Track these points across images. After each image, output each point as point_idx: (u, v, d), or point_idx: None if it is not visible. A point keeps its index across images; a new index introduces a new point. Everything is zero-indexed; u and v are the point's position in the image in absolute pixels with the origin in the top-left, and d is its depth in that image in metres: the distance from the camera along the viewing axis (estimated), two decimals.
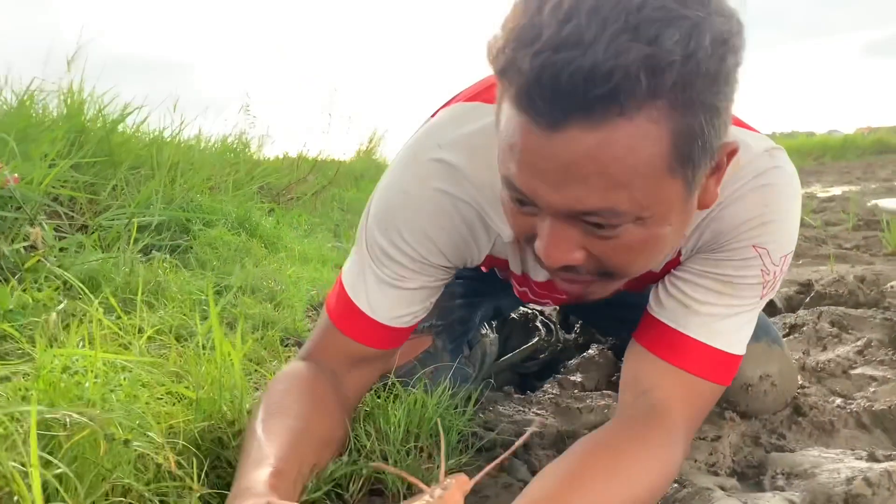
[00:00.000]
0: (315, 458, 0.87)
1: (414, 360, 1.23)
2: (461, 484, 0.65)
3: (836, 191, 6.78)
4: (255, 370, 1.48)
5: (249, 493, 0.71)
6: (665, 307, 0.96)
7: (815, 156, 13.92)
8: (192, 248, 2.44)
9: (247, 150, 4.92)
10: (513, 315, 1.76)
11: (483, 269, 1.18)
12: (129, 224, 2.18)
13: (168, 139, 3.35)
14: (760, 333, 1.28)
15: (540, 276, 1.07)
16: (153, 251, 2.20)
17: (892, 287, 2.32)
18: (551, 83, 0.63)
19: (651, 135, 0.65)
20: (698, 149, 0.69)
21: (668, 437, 0.90)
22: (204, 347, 1.11)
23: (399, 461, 0.95)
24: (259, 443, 0.82)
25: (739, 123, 0.93)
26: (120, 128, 2.97)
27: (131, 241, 2.02)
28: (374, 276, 0.99)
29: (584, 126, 0.64)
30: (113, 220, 2.25)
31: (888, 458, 1.07)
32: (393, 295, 1.00)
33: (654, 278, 1.01)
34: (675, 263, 0.99)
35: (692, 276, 0.95)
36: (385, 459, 0.96)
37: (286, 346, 1.73)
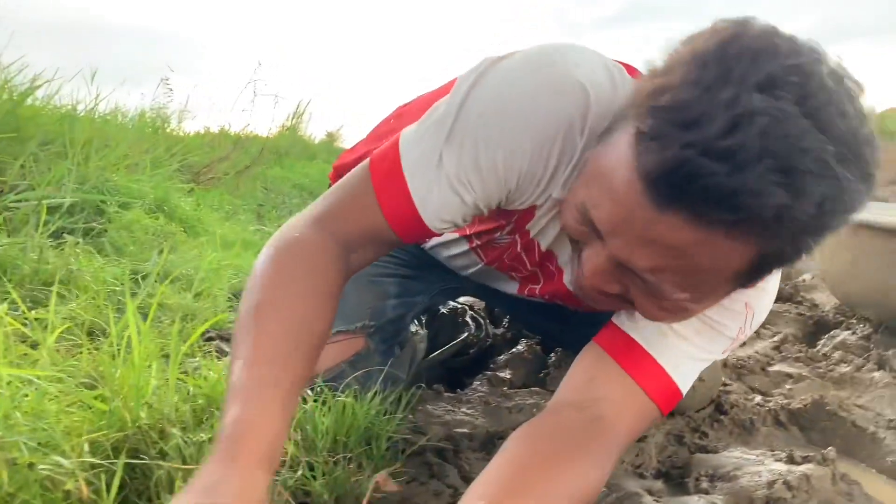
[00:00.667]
0: (308, 369, 0.81)
1: (344, 363, 1.19)
2: None
3: None
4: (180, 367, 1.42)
5: (234, 455, 0.67)
6: (639, 325, 0.94)
7: None
8: (106, 231, 2.31)
9: (166, 125, 4.73)
10: (442, 310, 1.74)
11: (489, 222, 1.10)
12: (39, 206, 2.05)
13: (82, 113, 3.18)
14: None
15: (568, 276, 1.07)
16: (65, 235, 2.08)
17: (804, 280, 2.42)
18: (687, 181, 0.63)
19: (741, 253, 0.68)
20: (767, 271, 0.74)
21: (608, 453, 0.88)
22: (119, 349, 1.04)
23: (327, 472, 0.92)
24: (249, 356, 0.76)
25: None
26: (29, 100, 2.79)
27: (41, 224, 1.90)
28: (440, 164, 0.87)
29: (692, 223, 0.66)
30: (20, 201, 2.11)
31: (805, 459, 1.11)
32: (448, 195, 0.88)
33: None
34: None
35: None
36: (311, 469, 0.92)
37: (207, 339, 1.66)
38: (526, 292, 1.22)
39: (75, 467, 0.70)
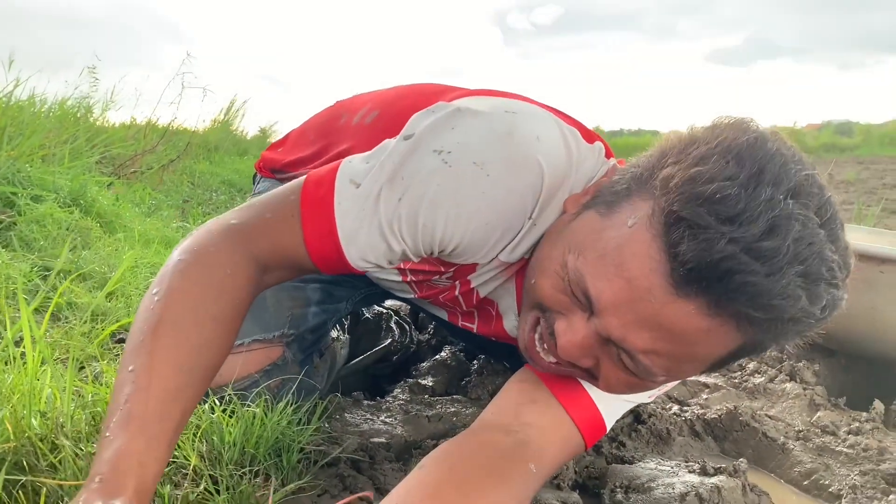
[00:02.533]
0: (195, 403, 0.78)
1: (258, 373, 1.14)
2: None
3: None
4: (84, 370, 1.35)
5: (111, 481, 0.64)
6: None
7: None
8: (15, 224, 2.20)
9: (89, 115, 4.55)
10: (366, 315, 1.71)
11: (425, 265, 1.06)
12: None
13: None
14: None
15: (510, 322, 1.06)
16: None
17: None
18: (725, 274, 0.65)
19: (731, 340, 0.72)
20: (736, 360, 0.78)
21: (527, 481, 0.87)
22: (12, 355, 0.98)
23: (231, 486, 0.88)
24: (139, 381, 0.72)
25: None
26: None
27: None
28: (376, 208, 0.85)
29: (708, 313, 0.68)
30: None
31: (718, 471, 1.12)
32: (376, 239, 0.86)
33: None
34: None
35: None
36: (215, 483, 0.88)
37: (118, 341, 1.59)
38: (458, 324, 1.20)
39: None
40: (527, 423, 0.91)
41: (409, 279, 1.12)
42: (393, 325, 1.69)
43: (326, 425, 1.18)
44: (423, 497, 0.79)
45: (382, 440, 1.20)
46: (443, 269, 1.03)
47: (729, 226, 0.65)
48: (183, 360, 0.76)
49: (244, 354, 1.14)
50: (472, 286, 1.04)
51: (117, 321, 1.66)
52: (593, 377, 0.84)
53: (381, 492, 1.02)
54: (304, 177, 0.90)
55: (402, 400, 1.40)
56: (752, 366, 1.65)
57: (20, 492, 0.75)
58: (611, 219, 0.76)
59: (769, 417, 1.36)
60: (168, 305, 0.78)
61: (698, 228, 0.66)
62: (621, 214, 0.75)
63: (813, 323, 0.69)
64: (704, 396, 1.50)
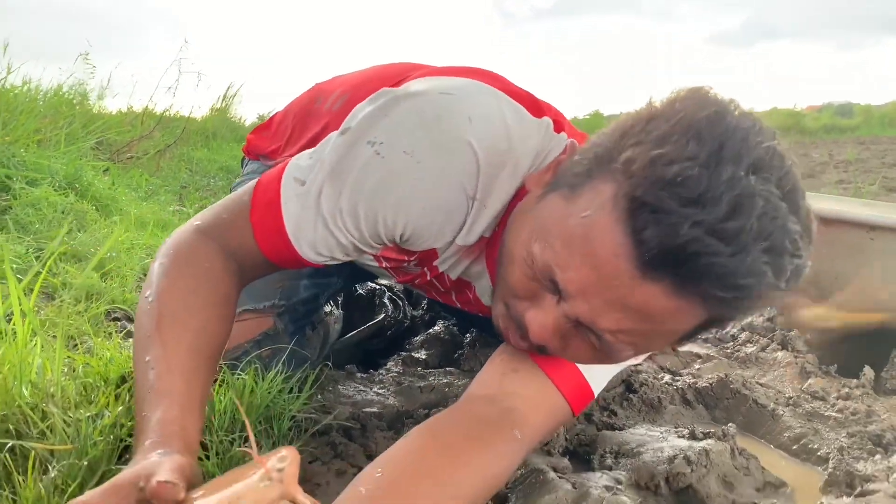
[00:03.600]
0: (212, 376, 0.83)
1: (248, 342, 1.15)
2: (295, 459, 0.61)
3: None
4: (76, 346, 1.36)
5: (163, 440, 0.67)
6: None
7: None
8: (11, 208, 2.21)
9: (84, 101, 4.55)
10: (360, 291, 1.71)
11: (393, 254, 1.08)
12: None
13: None
14: None
15: (488, 300, 1.05)
16: None
17: None
18: (691, 258, 0.65)
19: (697, 316, 0.72)
20: (702, 333, 0.79)
21: (514, 447, 0.87)
22: (3, 332, 0.99)
23: (221, 451, 0.89)
24: (159, 366, 0.76)
25: None
26: None
27: None
28: (318, 204, 0.87)
29: (675, 293, 0.69)
30: None
31: (706, 435, 1.13)
32: (321, 233, 0.89)
33: None
34: None
35: None
36: (205, 449, 0.89)
37: (113, 319, 1.60)
38: (441, 300, 1.21)
39: None
40: (511, 393, 0.92)
41: (384, 265, 1.13)
42: (386, 301, 1.70)
43: (319, 395, 1.19)
44: (407, 462, 0.80)
45: (374, 410, 1.21)
46: (407, 257, 1.04)
47: (692, 208, 0.65)
48: (190, 343, 0.80)
49: (235, 324, 1.15)
50: (440, 270, 1.05)
51: (111, 301, 1.67)
52: (564, 353, 0.85)
53: (372, 459, 1.03)
54: (257, 179, 0.93)
55: (395, 372, 1.41)
56: (743, 335, 1.66)
57: (8, 456, 0.75)
58: (574, 203, 0.75)
59: (760, 385, 1.37)
60: (162, 303, 0.82)
61: (662, 213, 0.66)
62: (584, 199, 0.74)
63: (778, 294, 0.70)
64: (696, 366, 1.51)
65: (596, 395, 0.98)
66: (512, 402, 0.91)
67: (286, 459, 0.61)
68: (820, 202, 1.65)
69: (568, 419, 0.99)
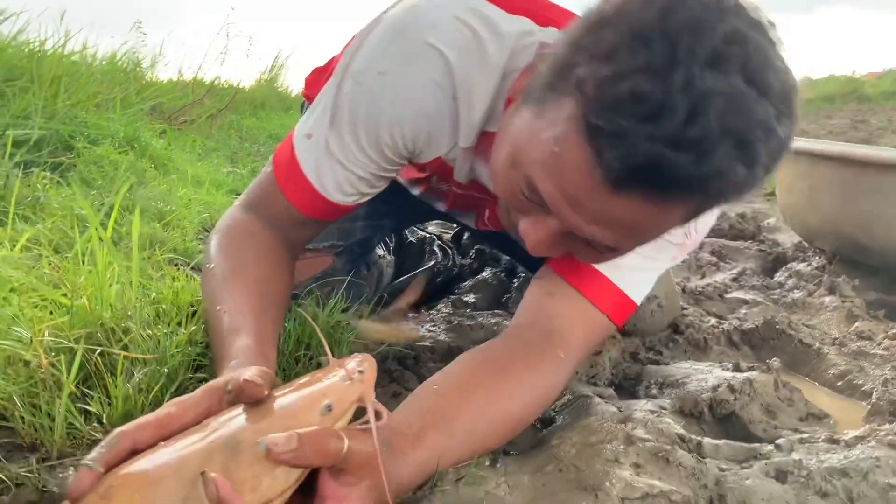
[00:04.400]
0: (280, 321, 0.91)
1: (310, 279, 1.22)
2: (373, 364, 0.66)
3: None
4: (143, 286, 1.43)
5: (244, 360, 0.73)
6: None
7: None
8: (75, 166, 2.30)
9: (137, 69, 4.65)
10: (410, 239, 1.76)
11: (417, 173, 1.14)
12: (4, 136, 2.03)
13: (50, 51, 3.12)
14: None
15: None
16: (32, 168, 2.07)
17: (768, 223, 2.47)
18: (655, 172, 0.65)
19: (686, 210, 0.72)
20: (699, 215, 0.76)
21: (558, 364, 0.91)
22: (84, 257, 1.06)
23: (287, 368, 0.95)
24: (231, 310, 0.83)
25: None
26: None
27: (6, 155, 1.88)
28: (328, 149, 0.94)
29: (651, 202, 0.69)
30: None
31: (751, 368, 1.15)
32: (341, 174, 0.96)
33: None
34: None
35: None
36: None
37: (175, 265, 1.68)
38: (481, 226, 1.25)
39: (37, 344, 0.71)
40: (549, 315, 0.95)
41: (421, 190, 1.18)
42: (436, 249, 1.74)
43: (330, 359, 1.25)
44: (461, 377, 0.85)
45: (427, 344, 1.26)
46: (427, 173, 1.09)
47: (648, 124, 0.63)
48: (254, 290, 0.88)
49: (299, 262, 1.22)
50: (461, 181, 1.08)
51: (173, 249, 1.75)
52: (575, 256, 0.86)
53: None
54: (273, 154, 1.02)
55: (445, 313, 1.46)
56: (791, 282, 1.67)
57: (99, 359, 0.82)
58: (542, 118, 0.74)
59: (806, 327, 1.38)
60: (224, 267, 0.91)
61: (618, 135, 0.64)
62: (550, 115, 0.73)
63: (759, 179, 0.69)
64: (743, 311, 1.52)
65: (638, 303, 0.99)
66: (550, 324, 0.95)
67: (365, 364, 0.66)
68: (874, 151, 1.63)
69: (610, 331, 1.02)
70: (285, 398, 0.63)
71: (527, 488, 0.79)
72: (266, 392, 0.62)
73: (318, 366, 1.01)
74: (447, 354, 1.24)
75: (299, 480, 0.59)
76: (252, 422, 0.59)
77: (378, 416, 0.65)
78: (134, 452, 0.57)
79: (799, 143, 1.74)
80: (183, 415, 0.61)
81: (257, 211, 1.00)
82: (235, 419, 0.60)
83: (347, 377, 0.64)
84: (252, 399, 0.62)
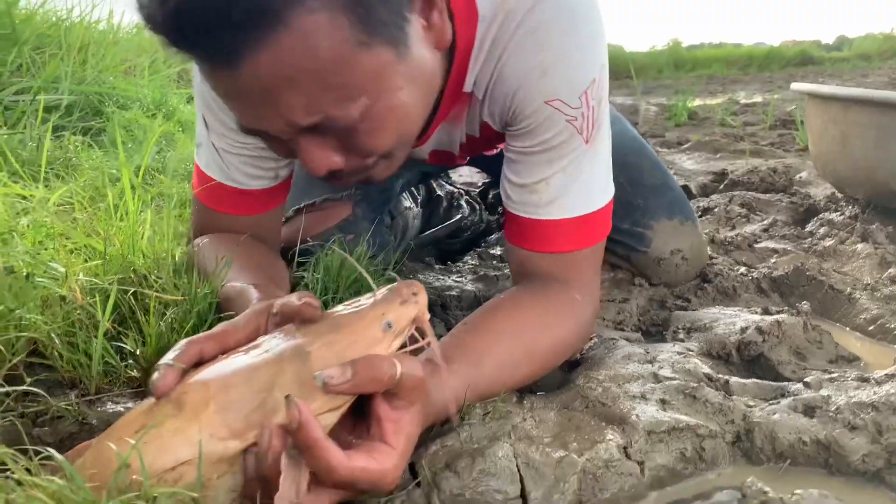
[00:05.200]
0: (286, 286, 0.94)
1: (332, 227, 1.23)
2: (423, 289, 0.67)
3: (758, 98, 6.93)
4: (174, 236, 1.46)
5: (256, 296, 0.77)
6: (511, 199, 0.95)
7: (740, 65, 14.14)
8: (105, 130, 2.33)
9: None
10: (439, 192, 1.77)
11: None
12: (35, 102, 2.06)
13: (77, 19, 3.14)
14: (675, 211, 1.32)
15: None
16: (63, 132, 2.10)
17: (800, 177, 2.43)
18: (189, 25, 0.60)
19: (323, 27, 0.63)
20: (382, 9, 0.67)
21: (570, 298, 0.93)
22: (116, 209, 1.08)
23: None
24: (236, 276, 0.87)
25: None
26: (23, 3, 2.77)
27: (38, 119, 1.91)
28: (214, 147, 0.99)
29: (253, 52, 0.62)
30: (18, 93, 2.12)
31: (779, 312, 1.14)
32: (240, 160, 0.99)
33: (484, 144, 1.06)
34: (493, 135, 1.00)
35: (519, 157, 0.93)
36: None
37: None
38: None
39: (72, 280, 0.73)
40: (532, 274, 0.96)
41: None
42: (463, 203, 1.74)
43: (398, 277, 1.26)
44: (489, 317, 0.87)
45: (454, 293, 1.27)
46: None
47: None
48: (252, 266, 0.92)
49: (317, 213, 1.23)
50: None
51: None
52: (379, 156, 0.80)
53: None
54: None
55: (472, 264, 1.47)
56: (822, 230, 1.64)
57: (132, 299, 0.84)
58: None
59: (837, 273, 1.36)
60: (204, 262, 0.94)
61: (151, 23, 0.63)
62: None
63: None
64: (773, 260, 1.50)
65: (587, 211, 0.94)
66: (539, 277, 0.95)
67: (417, 287, 0.66)
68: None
69: (598, 248, 0.98)
70: (346, 313, 0.64)
71: (553, 422, 0.80)
72: (320, 312, 0.64)
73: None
74: (474, 303, 1.25)
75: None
76: (317, 333, 0.60)
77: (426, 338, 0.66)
78: (199, 363, 0.60)
79: (831, 88, 1.70)
80: (236, 332, 0.63)
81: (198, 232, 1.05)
82: (300, 331, 0.61)
83: (402, 299, 0.64)
84: (308, 320, 0.63)
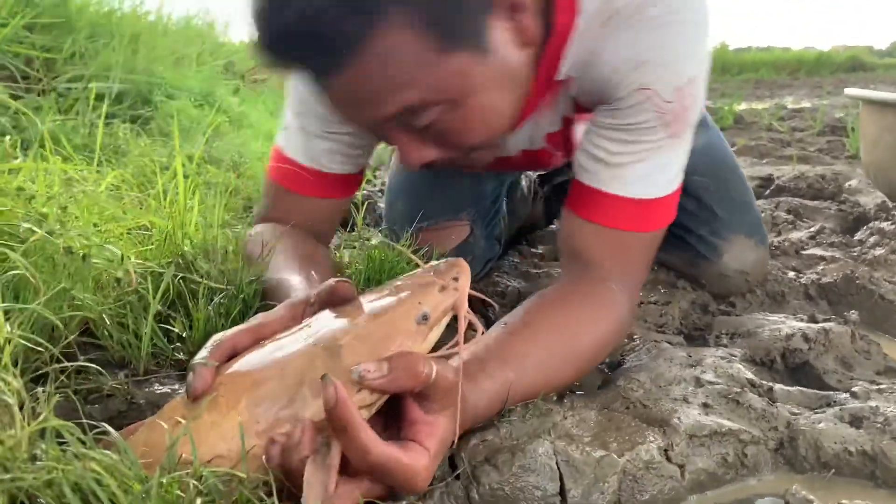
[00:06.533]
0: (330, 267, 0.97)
1: (452, 249, 1.27)
2: (466, 271, 0.66)
3: (807, 103, 6.79)
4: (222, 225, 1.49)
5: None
6: (583, 168, 0.96)
7: (789, 70, 13.89)
8: (153, 119, 2.38)
9: (212, 30, 4.74)
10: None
11: None
12: (87, 89, 2.11)
13: (129, 10, 3.21)
14: (754, 231, 1.30)
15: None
16: (114, 120, 2.15)
17: (849, 185, 2.38)
18: (294, 46, 0.72)
19: (408, 39, 0.71)
20: (459, 16, 0.74)
21: (608, 292, 0.91)
22: (165, 194, 1.10)
23: None
24: (279, 267, 0.90)
25: None
26: None
27: (90, 106, 1.96)
28: (304, 129, 1.02)
29: (348, 65, 0.72)
30: (71, 81, 2.17)
31: (826, 320, 1.12)
32: (328, 144, 1.02)
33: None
34: (579, 118, 1.02)
35: (599, 131, 0.93)
36: None
37: (249, 211, 1.73)
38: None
39: (127, 262, 0.75)
40: (578, 252, 0.96)
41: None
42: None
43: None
44: (528, 317, 0.86)
45: (497, 289, 1.27)
46: None
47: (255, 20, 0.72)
48: (299, 256, 0.94)
49: (436, 232, 1.27)
50: None
51: (248, 197, 1.81)
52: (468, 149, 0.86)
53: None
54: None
55: (513, 262, 1.47)
56: (872, 240, 1.60)
57: (182, 283, 0.86)
58: None
59: (888, 282, 1.33)
60: (251, 253, 0.96)
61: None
62: None
63: None
64: (820, 267, 1.47)
65: (655, 196, 0.93)
66: (582, 259, 0.95)
67: (459, 270, 0.65)
68: None
69: (649, 238, 0.97)
70: (381, 303, 0.63)
71: (594, 422, 0.79)
72: (355, 292, 0.65)
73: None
74: (516, 301, 1.24)
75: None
76: (350, 326, 0.60)
77: (472, 328, 0.65)
78: (232, 356, 0.61)
79: (888, 95, 1.66)
80: (272, 324, 0.64)
81: (264, 218, 1.08)
82: (333, 323, 0.61)
83: (442, 285, 0.64)
84: (344, 298, 0.64)
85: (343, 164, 1.05)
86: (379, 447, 0.56)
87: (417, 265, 0.70)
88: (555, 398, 0.84)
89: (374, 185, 2.47)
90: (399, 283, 0.66)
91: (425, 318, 0.62)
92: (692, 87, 0.89)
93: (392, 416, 0.63)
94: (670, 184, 0.95)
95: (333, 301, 0.64)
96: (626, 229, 0.94)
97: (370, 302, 0.63)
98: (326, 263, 1.00)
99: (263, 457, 0.55)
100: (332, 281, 0.64)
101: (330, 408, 0.53)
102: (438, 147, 0.83)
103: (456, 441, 0.65)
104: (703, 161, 1.17)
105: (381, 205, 1.79)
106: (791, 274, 1.38)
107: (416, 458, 0.59)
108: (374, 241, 1.09)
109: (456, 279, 0.64)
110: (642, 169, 0.92)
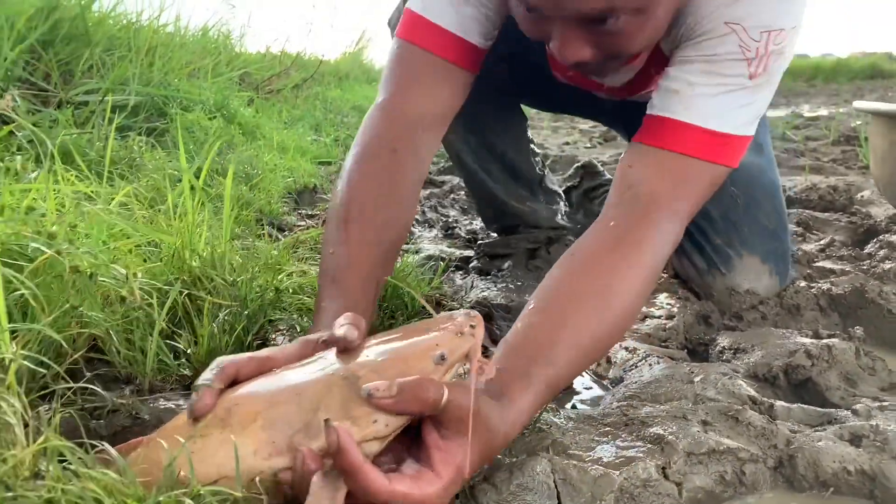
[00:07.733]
0: (390, 266, 0.94)
1: None
2: (481, 321, 0.67)
3: (823, 111, 6.75)
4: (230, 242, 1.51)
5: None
6: (656, 104, 0.96)
7: (806, 77, 13.80)
8: (168, 130, 2.41)
9: (228, 41, 4.80)
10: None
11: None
12: (104, 102, 2.14)
13: (146, 22, 3.25)
14: (770, 259, 1.31)
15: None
16: (129, 132, 2.18)
17: (861, 196, 2.36)
18: None
19: None
20: None
21: (654, 230, 0.89)
22: (175, 209, 1.12)
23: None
24: (343, 260, 0.86)
25: None
26: (95, 6, 2.87)
27: (106, 119, 1.99)
28: None
29: None
30: (87, 93, 2.21)
31: (831, 336, 1.12)
32: (469, 11, 1.02)
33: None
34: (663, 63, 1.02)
35: (678, 64, 0.96)
36: None
37: (260, 224, 1.75)
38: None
39: (132, 281, 0.77)
40: (630, 185, 0.93)
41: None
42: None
43: (446, 287, 1.28)
44: (556, 295, 0.84)
45: (500, 302, 1.28)
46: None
47: None
48: (372, 239, 0.90)
49: None
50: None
51: (259, 210, 1.83)
52: (612, 57, 0.92)
53: (494, 342, 1.11)
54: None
55: (517, 274, 1.47)
56: (882, 252, 1.60)
57: (188, 300, 0.88)
58: None
59: None
60: (351, 197, 0.93)
61: None
62: None
63: None
64: (830, 279, 1.47)
65: (729, 131, 0.94)
66: (635, 191, 0.92)
67: (476, 319, 0.66)
68: None
69: (715, 171, 0.95)
70: (400, 342, 0.64)
71: (592, 439, 0.80)
72: (358, 343, 0.64)
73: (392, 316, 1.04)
74: (517, 312, 1.25)
75: (406, 422, 0.61)
76: (368, 359, 0.61)
77: (483, 371, 0.65)
78: (234, 383, 0.61)
79: (894, 107, 1.66)
80: (281, 359, 0.65)
81: (395, 109, 1.02)
82: (352, 355, 0.62)
83: (459, 330, 0.65)
84: (344, 352, 0.64)
85: (479, 37, 1.04)
86: (384, 489, 0.55)
87: (431, 314, 0.70)
88: (554, 414, 0.85)
89: None
90: (416, 326, 0.67)
91: (443, 358, 0.63)
92: (781, 36, 0.91)
93: (416, 440, 0.63)
94: (744, 126, 0.95)
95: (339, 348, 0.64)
96: (693, 155, 0.93)
97: (387, 340, 0.65)
98: (397, 242, 0.95)
99: (279, 475, 0.55)
100: (342, 331, 0.64)
101: (333, 453, 0.53)
102: (596, 50, 0.88)
103: (468, 472, 0.62)
104: (742, 177, 1.17)
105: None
106: (802, 283, 1.38)
107: (425, 488, 0.58)
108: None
109: (473, 327, 0.65)
110: (717, 103, 0.93)
